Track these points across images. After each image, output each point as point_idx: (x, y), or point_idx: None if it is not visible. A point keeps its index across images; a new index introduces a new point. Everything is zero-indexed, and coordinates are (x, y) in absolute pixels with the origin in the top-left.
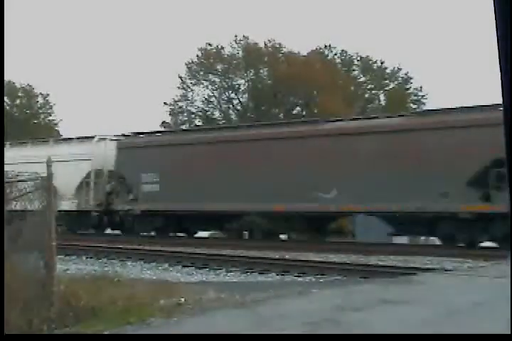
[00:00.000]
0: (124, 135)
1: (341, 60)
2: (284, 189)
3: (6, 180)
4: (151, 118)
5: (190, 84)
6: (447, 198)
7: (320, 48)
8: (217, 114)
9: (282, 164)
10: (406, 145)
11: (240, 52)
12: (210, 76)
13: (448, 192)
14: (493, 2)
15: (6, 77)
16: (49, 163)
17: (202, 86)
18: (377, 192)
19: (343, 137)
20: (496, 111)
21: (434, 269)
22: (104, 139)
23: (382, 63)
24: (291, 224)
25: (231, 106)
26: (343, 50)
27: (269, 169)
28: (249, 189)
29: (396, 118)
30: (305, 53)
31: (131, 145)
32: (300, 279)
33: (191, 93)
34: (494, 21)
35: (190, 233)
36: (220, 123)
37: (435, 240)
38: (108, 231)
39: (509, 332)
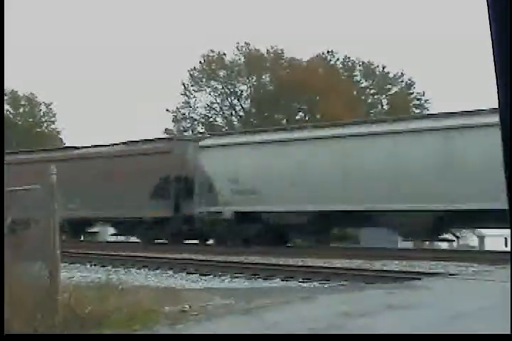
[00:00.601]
0: None
1: (343, 65)
2: None
3: (10, 188)
4: (154, 125)
5: (192, 91)
6: (139, 206)
7: (322, 54)
8: (219, 120)
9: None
10: (119, 167)
11: (242, 59)
12: (213, 82)
13: (140, 203)
14: (487, 8)
15: (9, 86)
16: (52, 172)
17: (204, 92)
18: (104, 203)
19: (82, 161)
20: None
21: (439, 274)
22: None
23: (383, 68)
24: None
25: (233, 112)
26: (345, 56)
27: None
28: None
29: (110, 146)
30: (307, 59)
31: None
32: (305, 285)
33: (194, 100)
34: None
35: None
36: (223, 129)
37: (440, 244)
38: None
39: (509, 332)
